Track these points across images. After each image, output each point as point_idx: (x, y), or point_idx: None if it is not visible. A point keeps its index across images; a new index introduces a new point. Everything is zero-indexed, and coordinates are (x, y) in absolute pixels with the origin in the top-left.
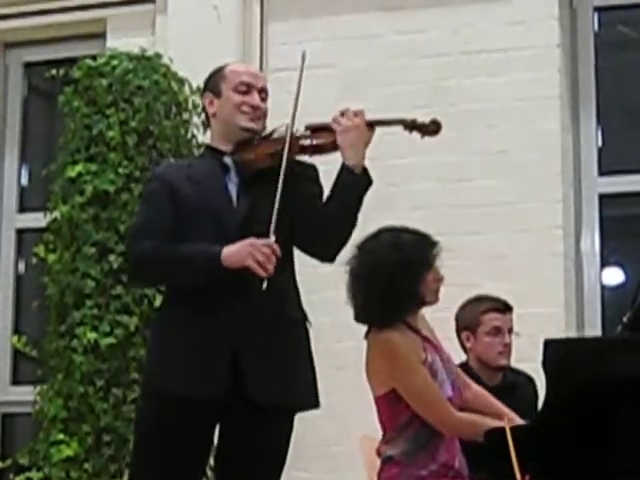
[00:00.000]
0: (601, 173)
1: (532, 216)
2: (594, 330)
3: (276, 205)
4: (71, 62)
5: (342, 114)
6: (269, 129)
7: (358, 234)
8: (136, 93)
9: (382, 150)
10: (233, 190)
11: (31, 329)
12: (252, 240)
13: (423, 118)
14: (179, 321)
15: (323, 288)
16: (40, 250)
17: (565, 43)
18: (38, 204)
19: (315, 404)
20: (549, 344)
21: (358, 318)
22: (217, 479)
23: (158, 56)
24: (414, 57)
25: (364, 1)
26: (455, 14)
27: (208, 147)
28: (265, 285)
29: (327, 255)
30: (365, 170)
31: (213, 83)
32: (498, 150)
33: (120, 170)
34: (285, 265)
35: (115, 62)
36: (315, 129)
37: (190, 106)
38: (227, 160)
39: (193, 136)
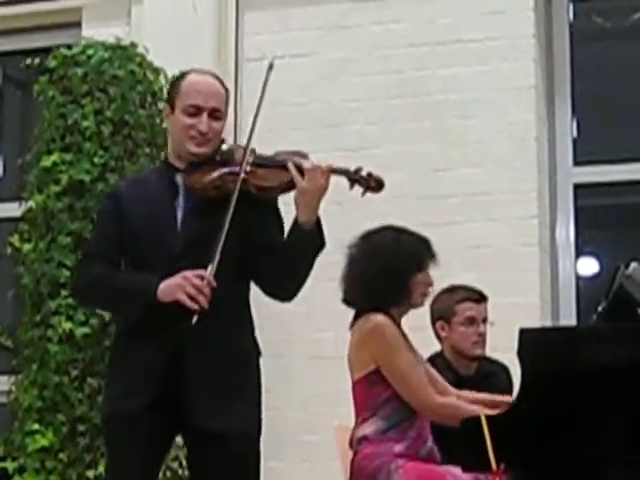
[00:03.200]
0: (576, 163)
1: (507, 206)
2: (569, 320)
3: (222, 238)
4: (46, 51)
5: (309, 171)
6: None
7: (339, 225)
8: (111, 82)
9: (359, 140)
10: (179, 213)
11: (6, 319)
12: (185, 273)
13: (368, 171)
14: (123, 347)
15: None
16: (15, 240)
17: (540, 33)
18: (13, 194)
19: (254, 433)
20: (524, 333)
21: (345, 300)
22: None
23: (133, 45)
24: (390, 47)
25: None
26: (431, 4)
27: (165, 161)
28: (195, 319)
29: (278, 297)
30: (319, 226)
31: (171, 93)
32: (473, 140)
33: (95, 160)
34: (238, 293)
35: (90, 51)
36: (266, 165)
37: (165, 96)
38: (178, 179)
39: None
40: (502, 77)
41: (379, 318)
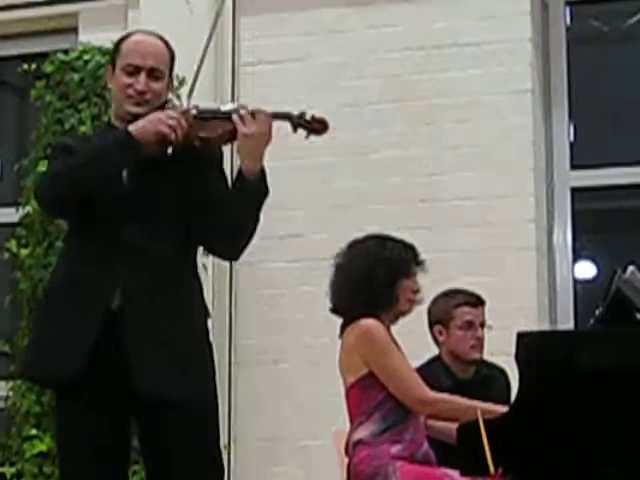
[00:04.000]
0: (573, 167)
1: (504, 210)
2: (567, 324)
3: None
4: (43, 57)
5: (250, 115)
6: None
7: (338, 230)
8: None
9: (355, 145)
10: (124, 170)
11: (3, 324)
12: (157, 112)
13: (312, 114)
14: (53, 289)
15: (295, 284)
16: (12, 245)
17: (537, 37)
18: (10, 199)
19: (206, 397)
20: (522, 336)
21: (333, 309)
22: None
23: None
24: (385, 51)
25: None
26: (427, 8)
27: (107, 123)
28: (170, 150)
29: (225, 255)
30: (263, 176)
31: (113, 54)
32: (470, 144)
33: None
34: (185, 254)
35: (87, 56)
36: (209, 117)
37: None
38: None
39: None
40: (499, 81)
41: (369, 322)
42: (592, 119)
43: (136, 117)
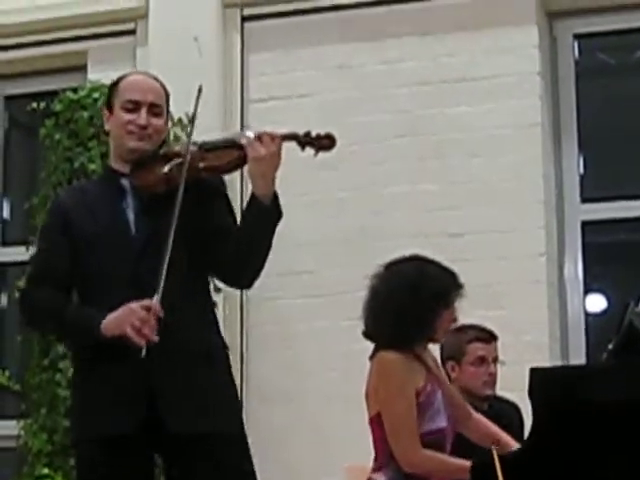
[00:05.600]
0: (583, 200)
1: (515, 243)
2: (579, 357)
3: (167, 255)
4: (52, 95)
5: (258, 138)
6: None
7: (350, 265)
8: None
9: (366, 180)
10: (130, 215)
11: (14, 363)
12: (130, 305)
13: (317, 131)
14: (87, 371)
15: (310, 318)
16: (23, 284)
17: (546, 71)
18: (20, 237)
19: (236, 430)
20: (535, 372)
21: (367, 334)
22: None
23: None
24: (395, 86)
25: (344, 30)
26: (435, 43)
27: (107, 167)
28: (144, 352)
29: (239, 282)
30: (276, 199)
31: (109, 97)
32: (480, 178)
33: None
34: (195, 293)
35: (96, 94)
36: (214, 147)
37: (172, 138)
38: (124, 182)
39: None
40: (508, 115)
41: (386, 356)
42: (602, 152)
43: (140, 152)
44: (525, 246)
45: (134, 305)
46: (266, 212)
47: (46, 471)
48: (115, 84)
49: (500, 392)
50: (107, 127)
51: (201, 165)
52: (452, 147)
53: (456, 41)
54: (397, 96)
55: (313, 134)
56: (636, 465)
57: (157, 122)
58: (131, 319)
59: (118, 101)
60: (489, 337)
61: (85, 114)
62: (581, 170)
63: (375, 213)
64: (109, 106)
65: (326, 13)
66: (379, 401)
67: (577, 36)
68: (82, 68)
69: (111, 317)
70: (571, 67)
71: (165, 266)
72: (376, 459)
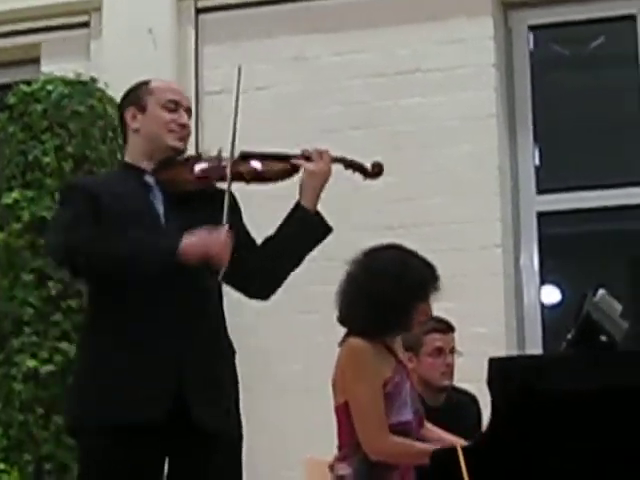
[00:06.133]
0: (539, 191)
1: (471, 235)
2: (535, 348)
3: (227, 198)
4: (5, 88)
5: (319, 153)
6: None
7: (317, 254)
8: (72, 118)
9: None
10: (160, 208)
11: None
12: (207, 231)
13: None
14: (111, 336)
15: (269, 310)
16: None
17: (501, 62)
18: None
19: (241, 437)
20: (494, 362)
21: (340, 319)
22: None
23: (93, 80)
24: (349, 78)
25: (299, 23)
26: (390, 34)
27: (125, 164)
28: (221, 275)
29: (262, 293)
30: (320, 215)
31: (137, 97)
32: (435, 170)
33: (57, 196)
34: (217, 293)
35: (50, 87)
36: (261, 156)
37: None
38: (148, 178)
39: None
40: (463, 106)
41: (356, 342)
42: (557, 143)
43: (178, 151)
44: (481, 238)
45: (210, 231)
46: (312, 222)
47: (2, 466)
48: (142, 85)
49: (457, 383)
50: (135, 125)
51: (245, 169)
52: (407, 139)
53: (411, 33)
54: (352, 88)
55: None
56: (594, 454)
57: (190, 126)
58: (212, 244)
59: (156, 100)
60: (446, 328)
61: (39, 107)
62: (536, 161)
63: (329, 206)
64: (139, 106)
65: (280, 5)
66: (346, 389)
67: (532, 27)
68: (35, 61)
69: (190, 241)
70: (526, 58)
71: (227, 198)
72: (340, 449)
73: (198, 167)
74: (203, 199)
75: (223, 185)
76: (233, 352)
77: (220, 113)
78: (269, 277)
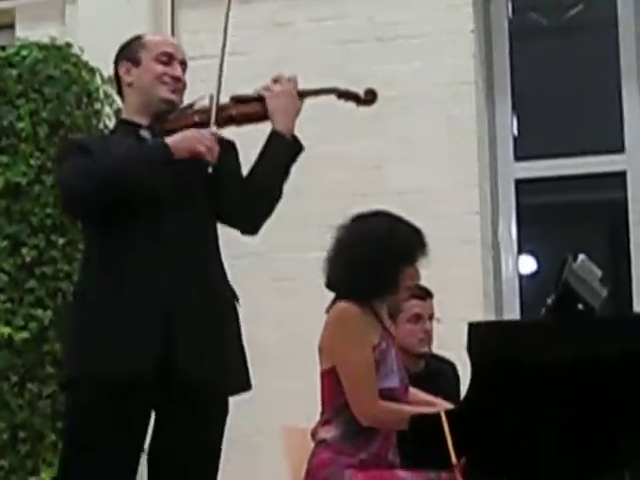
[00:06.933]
0: (517, 158)
1: (449, 202)
2: (512, 316)
3: (215, 97)
4: None
5: (275, 81)
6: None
7: (280, 225)
8: (46, 83)
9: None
10: None
11: None
12: (194, 130)
13: (357, 88)
14: (102, 293)
15: (240, 279)
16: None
17: (479, 29)
18: None
19: (248, 386)
20: (473, 327)
21: (328, 284)
22: (150, 469)
23: (68, 45)
24: (327, 44)
25: None
26: (369, 1)
27: (122, 120)
28: (211, 169)
29: (249, 226)
30: (295, 138)
31: (130, 51)
32: (413, 136)
33: (32, 161)
34: (210, 237)
35: (25, 52)
36: (242, 99)
37: (102, 96)
38: (144, 133)
39: (105, 126)
40: (441, 72)
41: (344, 306)
42: (535, 111)
43: (172, 104)
44: (459, 205)
45: (199, 130)
46: (288, 145)
47: None
48: (136, 40)
49: (435, 351)
50: (129, 79)
51: (234, 112)
52: (385, 105)
53: None
54: (330, 54)
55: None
56: (573, 418)
57: (184, 78)
58: (201, 139)
59: (148, 54)
60: (424, 294)
61: (13, 72)
62: (515, 128)
63: (306, 173)
64: (133, 60)
65: None
66: (335, 354)
67: None
68: (10, 26)
69: (176, 138)
70: (505, 25)
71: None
72: (323, 413)
73: (192, 117)
74: None
75: (220, 131)
76: (236, 299)
77: (197, 78)
78: (253, 207)
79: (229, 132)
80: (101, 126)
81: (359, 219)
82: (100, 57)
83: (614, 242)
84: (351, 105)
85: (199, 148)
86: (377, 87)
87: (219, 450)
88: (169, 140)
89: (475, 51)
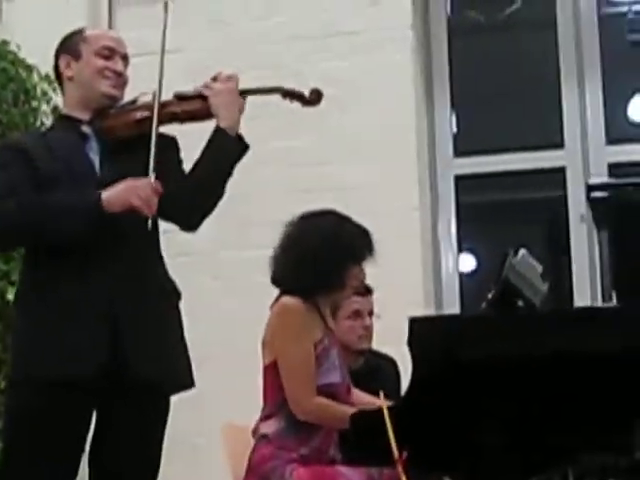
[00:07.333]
0: (456, 154)
1: (388, 199)
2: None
3: (152, 146)
4: None
5: (214, 78)
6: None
7: (223, 224)
8: None
9: None
10: (95, 159)
11: None
12: (131, 180)
13: (301, 88)
14: (44, 293)
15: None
16: None
17: (418, 25)
18: None
19: (192, 383)
20: (414, 322)
21: (273, 280)
22: (91, 469)
23: (5, 43)
24: (268, 41)
25: None
26: None
27: (62, 116)
28: (150, 224)
29: (189, 222)
30: (240, 136)
31: (71, 45)
32: (353, 133)
33: None
34: (151, 236)
35: None
36: (185, 97)
37: (39, 94)
38: (85, 129)
39: (42, 124)
40: (380, 69)
41: (289, 301)
42: (474, 107)
43: (113, 99)
44: (398, 201)
45: (136, 180)
46: (231, 142)
47: None
48: (77, 34)
49: (376, 347)
50: (69, 73)
51: (177, 109)
52: (324, 102)
53: None
54: (269, 52)
55: (304, 92)
56: (515, 414)
57: (126, 73)
58: (136, 192)
59: (89, 48)
60: (364, 290)
61: None
62: (454, 124)
63: (247, 170)
64: (74, 53)
65: None
66: (276, 347)
67: None
68: None
69: (112, 191)
70: (443, 21)
71: (152, 154)
72: (264, 409)
73: (134, 112)
74: (141, 145)
75: (160, 128)
76: (177, 295)
77: (135, 76)
78: (194, 204)
79: (172, 129)
80: (38, 124)
81: (307, 217)
82: (37, 54)
83: (554, 239)
84: (285, 103)
85: (134, 202)
86: (316, 84)
87: (160, 449)
88: (104, 194)
89: (414, 47)
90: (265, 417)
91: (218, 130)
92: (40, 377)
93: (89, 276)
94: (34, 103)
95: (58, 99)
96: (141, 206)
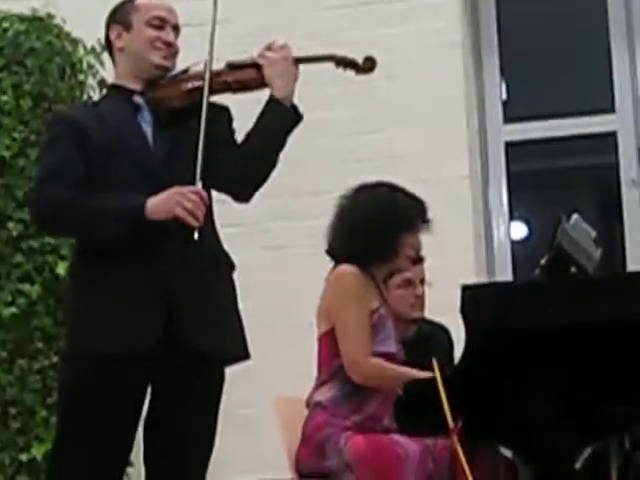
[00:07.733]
0: (506, 121)
1: (438, 167)
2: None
3: (200, 149)
4: None
5: (268, 48)
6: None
7: (269, 195)
8: (29, 55)
9: None
10: (148, 130)
11: None
12: (178, 188)
13: (355, 55)
14: (100, 270)
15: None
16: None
17: None
18: None
19: (247, 355)
20: (467, 289)
21: (329, 251)
22: (146, 443)
23: (50, 16)
24: (314, 9)
25: None
26: None
27: (114, 86)
28: (197, 235)
29: (243, 193)
30: (294, 106)
31: (122, 15)
32: (401, 101)
33: (15, 135)
34: (210, 208)
35: (6, 24)
36: (238, 66)
37: (85, 67)
38: (137, 99)
39: (89, 97)
40: (427, 36)
41: (346, 269)
42: (523, 74)
43: (164, 70)
44: (449, 169)
45: (182, 188)
46: (287, 112)
47: None
48: (127, 3)
49: (428, 316)
50: (120, 44)
51: (229, 79)
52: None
53: None
54: (317, 19)
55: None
56: (569, 382)
57: (177, 43)
58: (181, 201)
59: (141, 17)
60: (416, 259)
61: None
62: (503, 90)
63: (296, 140)
64: (125, 23)
65: None
66: (333, 313)
67: None
68: None
69: (158, 199)
70: None
71: (200, 156)
72: (319, 377)
73: (185, 83)
74: (193, 115)
75: (213, 97)
76: (232, 267)
77: (182, 47)
78: (247, 175)
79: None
80: (85, 97)
81: (362, 188)
82: (83, 28)
83: (605, 205)
84: (337, 72)
85: (178, 213)
86: (362, 52)
87: (216, 421)
88: (149, 201)
89: (462, 13)
90: (320, 384)
91: (273, 100)
92: (97, 352)
93: (144, 251)
94: (80, 77)
95: (105, 72)
96: (186, 217)
